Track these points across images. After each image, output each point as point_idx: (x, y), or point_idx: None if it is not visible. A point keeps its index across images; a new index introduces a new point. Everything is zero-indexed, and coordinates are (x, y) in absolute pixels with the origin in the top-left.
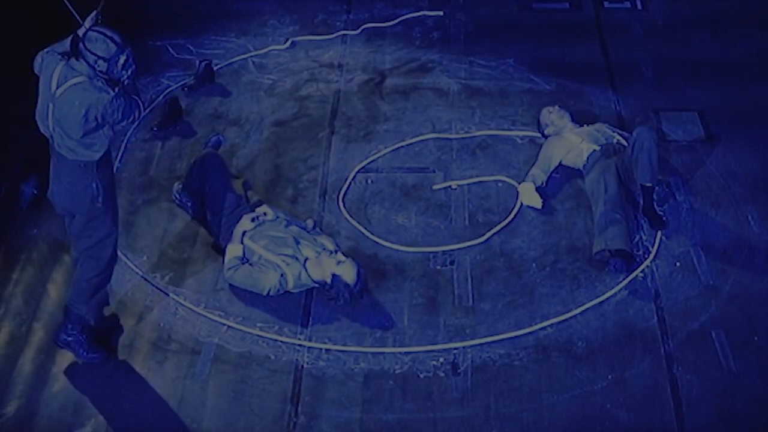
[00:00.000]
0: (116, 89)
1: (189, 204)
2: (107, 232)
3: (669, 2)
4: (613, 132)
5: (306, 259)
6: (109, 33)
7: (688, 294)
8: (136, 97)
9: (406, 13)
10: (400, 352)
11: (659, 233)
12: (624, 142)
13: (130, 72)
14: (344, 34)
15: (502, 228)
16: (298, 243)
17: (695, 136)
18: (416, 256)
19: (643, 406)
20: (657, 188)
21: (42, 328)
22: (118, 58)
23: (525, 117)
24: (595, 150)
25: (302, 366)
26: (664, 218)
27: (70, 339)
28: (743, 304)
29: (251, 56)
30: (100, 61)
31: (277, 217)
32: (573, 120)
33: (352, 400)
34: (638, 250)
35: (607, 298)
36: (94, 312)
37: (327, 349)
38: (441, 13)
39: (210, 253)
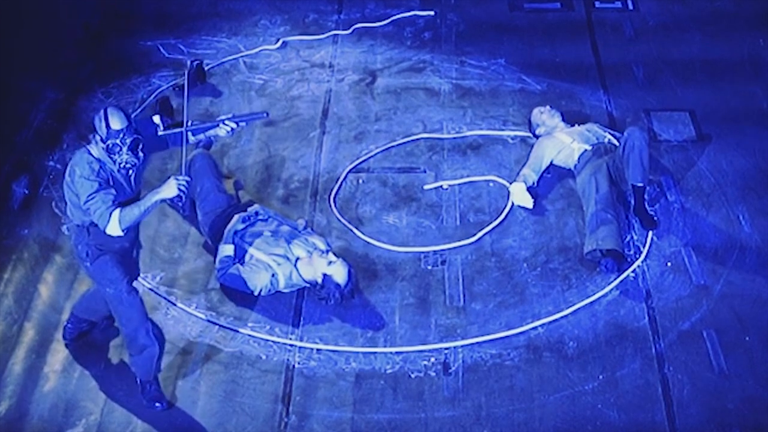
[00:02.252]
0: (88, 177)
1: (180, 204)
2: (111, 293)
3: (660, 2)
4: (605, 132)
5: (297, 259)
6: (110, 114)
7: (679, 294)
8: (112, 206)
9: (398, 13)
10: (391, 352)
11: (650, 233)
12: (615, 142)
13: (120, 159)
14: (335, 34)
15: (493, 228)
16: (289, 243)
17: (686, 136)
18: (407, 256)
19: (634, 406)
20: (648, 188)
21: (33, 327)
22: (107, 141)
23: (516, 117)
24: (586, 150)
25: (293, 366)
26: (655, 218)
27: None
28: (734, 304)
29: (242, 56)
30: (98, 136)
31: (269, 217)
32: (564, 120)
33: (344, 400)
34: (629, 250)
35: (598, 298)
36: (139, 367)
37: (318, 349)
38: (432, 13)
39: (201, 253)
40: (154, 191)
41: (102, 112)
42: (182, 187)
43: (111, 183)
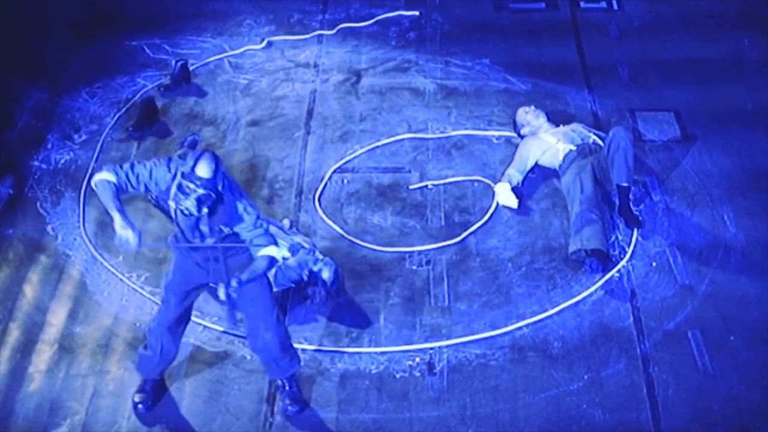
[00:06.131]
0: (157, 164)
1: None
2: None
3: (645, 2)
4: (589, 132)
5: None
6: (202, 159)
7: (664, 294)
8: (116, 172)
9: (382, 13)
10: (376, 352)
11: (635, 233)
12: (600, 142)
13: (183, 203)
14: (320, 34)
15: (478, 228)
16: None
17: (671, 136)
18: (392, 256)
19: (619, 406)
20: (633, 188)
21: (18, 328)
22: (183, 180)
23: (501, 117)
24: (571, 150)
25: None
26: (640, 218)
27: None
28: (719, 304)
29: (227, 56)
30: (180, 167)
31: None
32: (549, 120)
33: (328, 400)
34: (614, 250)
35: (583, 298)
36: (138, 361)
37: (303, 349)
38: (417, 13)
39: None
40: (123, 217)
41: (199, 153)
42: (125, 242)
43: (148, 189)
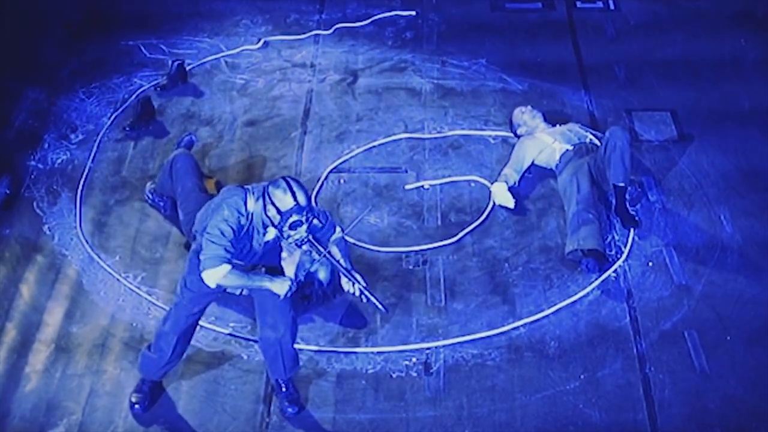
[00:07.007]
0: (228, 221)
1: (161, 204)
2: (179, 291)
3: (641, 2)
4: (586, 132)
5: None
6: (295, 188)
7: (660, 294)
8: (226, 258)
9: (379, 13)
10: (372, 352)
11: (632, 233)
12: (597, 142)
13: (295, 236)
14: (317, 34)
15: (474, 228)
16: None
17: (668, 136)
18: (389, 256)
19: (616, 406)
20: (630, 188)
21: (15, 327)
22: (290, 216)
23: (497, 117)
24: (567, 150)
25: None
26: (636, 218)
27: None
28: (715, 304)
29: (224, 56)
30: (272, 207)
31: None
32: (545, 120)
33: (325, 400)
34: (611, 250)
35: (580, 298)
36: (143, 363)
37: (300, 349)
38: (413, 13)
39: (182, 253)
40: (269, 279)
41: (284, 183)
42: (291, 290)
43: (240, 236)
